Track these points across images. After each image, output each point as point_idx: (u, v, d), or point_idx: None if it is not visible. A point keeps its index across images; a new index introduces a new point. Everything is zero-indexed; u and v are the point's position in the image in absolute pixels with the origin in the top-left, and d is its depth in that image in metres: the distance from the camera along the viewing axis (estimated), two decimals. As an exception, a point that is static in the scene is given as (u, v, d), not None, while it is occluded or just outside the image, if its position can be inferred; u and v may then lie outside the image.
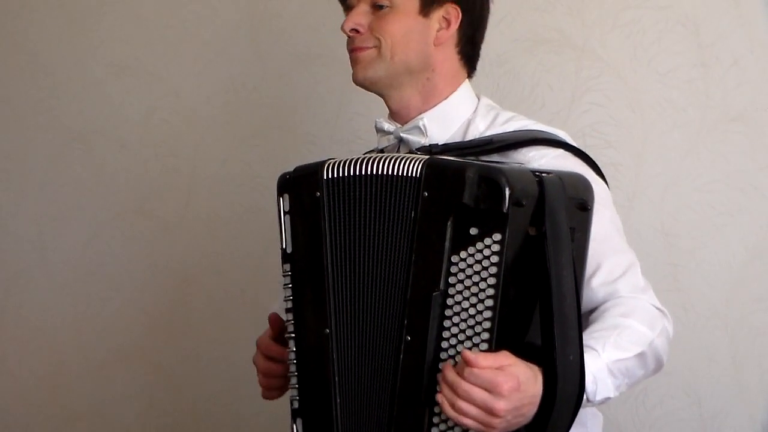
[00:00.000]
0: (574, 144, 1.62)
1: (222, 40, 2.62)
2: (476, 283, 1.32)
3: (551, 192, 1.35)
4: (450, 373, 1.32)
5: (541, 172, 1.38)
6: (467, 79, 1.68)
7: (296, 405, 1.51)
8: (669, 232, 2.17)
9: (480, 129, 1.62)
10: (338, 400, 1.46)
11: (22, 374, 2.86)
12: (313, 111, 2.52)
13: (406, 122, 1.64)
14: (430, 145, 1.59)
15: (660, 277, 2.15)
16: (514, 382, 1.30)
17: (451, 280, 1.33)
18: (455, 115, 1.64)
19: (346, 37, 1.64)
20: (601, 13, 2.22)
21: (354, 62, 1.63)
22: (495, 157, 1.55)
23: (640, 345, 1.45)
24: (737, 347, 2.13)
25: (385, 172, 1.44)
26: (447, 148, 1.58)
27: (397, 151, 1.66)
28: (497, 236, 1.31)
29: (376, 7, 1.61)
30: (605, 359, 1.41)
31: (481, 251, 1.32)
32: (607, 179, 1.64)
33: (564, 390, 1.33)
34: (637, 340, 1.45)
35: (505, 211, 1.31)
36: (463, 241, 1.33)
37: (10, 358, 2.86)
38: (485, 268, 1.31)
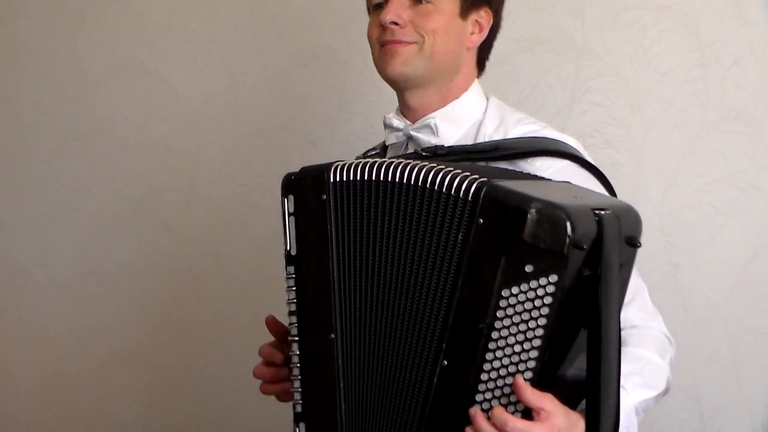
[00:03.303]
0: (584, 152, 1.60)
1: (222, 40, 2.62)
2: (525, 321, 1.28)
3: (609, 234, 1.30)
4: (485, 425, 1.29)
5: (600, 209, 1.32)
6: (476, 79, 1.68)
7: (299, 409, 1.49)
8: (669, 232, 2.17)
9: (489, 131, 1.61)
10: (343, 407, 1.44)
11: (22, 374, 2.85)
12: (313, 111, 2.52)
13: (416, 119, 1.63)
14: (435, 146, 1.58)
15: (660, 277, 2.15)
16: None
17: (499, 314, 1.29)
18: (466, 116, 1.63)
19: (379, 29, 1.60)
20: (602, 13, 2.22)
21: (390, 55, 1.58)
22: (502, 164, 1.54)
23: (662, 382, 1.46)
24: (737, 347, 2.13)
25: (414, 182, 1.38)
26: (453, 151, 1.56)
27: (405, 149, 1.65)
28: (554, 277, 1.26)
29: (417, 1, 1.58)
30: (634, 399, 1.41)
31: (534, 290, 1.27)
32: (610, 182, 1.63)
33: None
34: (658, 377, 1.46)
35: (565, 253, 1.26)
36: (516, 277, 1.28)
37: (10, 358, 2.86)
38: (537, 308, 1.27)
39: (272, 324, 1.59)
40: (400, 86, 1.63)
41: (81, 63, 2.77)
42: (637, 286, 1.53)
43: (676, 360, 2.09)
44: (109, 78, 2.74)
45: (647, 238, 2.15)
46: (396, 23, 1.57)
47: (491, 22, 1.63)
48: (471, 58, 1.65)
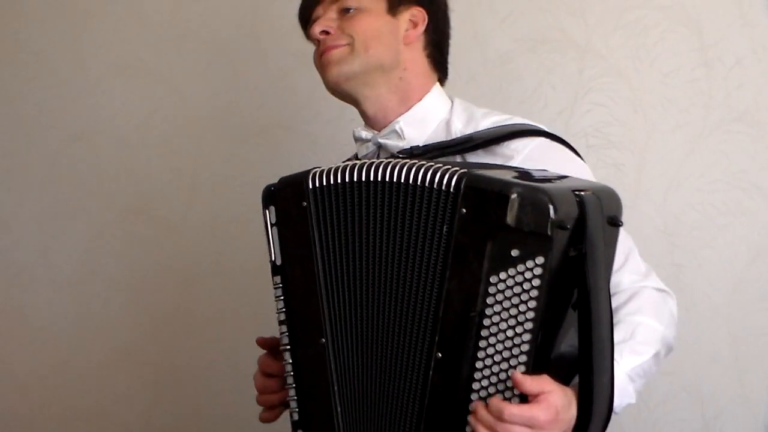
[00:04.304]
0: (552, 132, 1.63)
1: (224, 40, 2.62)
2: (515, 305, 1.29)
3: (591, 213, 1.32)
4: (486, 414, 1.30)
5: (580, 190, 1.34)
6: (438, 83, 1.70)
7: (296, 417, 1.50)
8: (671, 232, 2.18)
9: (459, 127, 1.63)
10: (339, 410, 1.45)
11: (23, 374, 2.86)
12: (315, 111, 2.52)
13: (383, 128, 1.65)
14: (411, 147, 1.60)
15: (662, 277, 2.12)
16: (552, 412, 1.29)
17: (489, 300, 1.31)
18: (430, 117, 1.65)
19: (314, 47, 1.66)
20: (604, 13, 2.22)
21: (326, 64, 1.63)
22: (480, 153, 1.56)
23: (654, 344, 1.47)
24: (740, 347, 2.13)
25: (396, 179, 1.40)
26: (428, 149, 1.58)
27: (377, 158, 1.65)
28: (540, 259, 1.28)
29: (343, 11, 1.63)
30: (624, 367, 1.42)
31: (522, 273, 1.29)
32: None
33: (598, 412, 1.33)
34: (650, 339, 1.47)
35: (549, 234, 1.28)
36: (503, 263, 1.30)
37: (12, 357, 2.86)
38: (526, 291, 1.29)
39: (263, 343, 1.62)
40: (346, 94, 1.66)
41: (83, 63, 2.77)
42: (627, 249, 1.54)
43: (678, 360, 2.10)
44: (111, 78, 2.74)
45: (650, 238, 2.18)
46: (326, 32, 1.63)
47: (426, 19, 1.67)
48: (417, 56, 1.67)
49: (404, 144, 1.62)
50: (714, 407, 2.15)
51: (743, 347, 2.13)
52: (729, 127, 2.14)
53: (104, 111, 2.75)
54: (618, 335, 1.43)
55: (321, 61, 1.65)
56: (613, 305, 1.48)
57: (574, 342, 1.35)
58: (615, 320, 1.46)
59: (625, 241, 1.54)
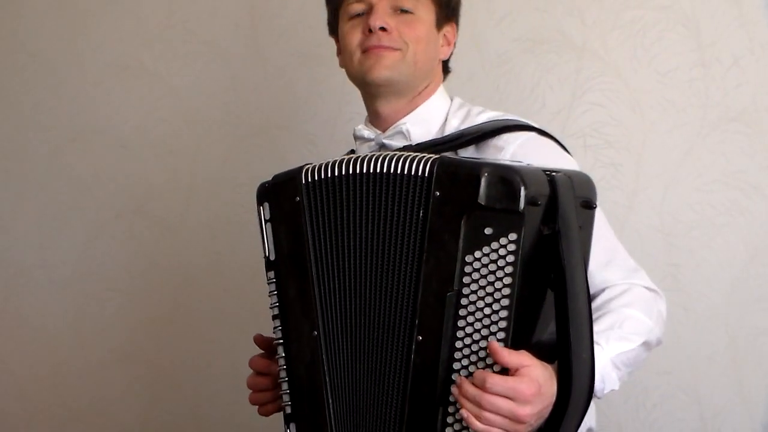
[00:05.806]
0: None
1: (222, 40, 2.62)
2: (491, 283, 1.31)
3: (563, 191, 1.35)
4: (470, 388, 1.31)
5: (551, 171, 1.37)
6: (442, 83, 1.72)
7: (288, 410, 1.52)
8: (669, 232, 2.18)
9: (455, 125, 1.64)
10: (330, 401, 1.47)
11: (22, 374, 2.86)
12: (314, 111, 2.53)
13: (386, 128, 1.65)
14: (404, 146, 1.61)
15: (660, 277, 2.15)
16: (536, 386, 1.30)
17: (465, 279, 1.32)
18: (434, 117, 1.66)
19: (362, 34, 1.63)
20: (602, 13, 2.22)
21: (376, 59, 1.61)
22: (471, 149, 1.58)
23: (643, 335, 1.48)
24: (737, 347, 2.13)
25: (378, 171, 1.43)
26: (420, 147, 1.59)
27: None
28: (513, 236, 1.30)
29: (399, 11, 1.62)
30: (608, 353, 1.42)
31: (496, 251, 1.31)
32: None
33: (577, 389, 1.33)
34: (639, 330, 1.48)
35: (520, 210, 1.30)
36: (477, 241, 1.32)
37: (10, 357, 2.87)
38: (501, 268, 1.31)
39: (260, 341, 1.63)
40: (380, 92, 1.65)
41: (81, 63, 2.77)
42: (612, 247, 1.55)
43: (676, 360, 2.11)
44: (110, 78, 2.74)
45: (647, 238, 2.18)
46: (384, 29, 1.61)
47: (456, 37, 1.71)
48: (440, 70, 1.71)
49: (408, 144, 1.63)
50: (712, 407, 2.15)
51: (741, 347, 2.13)
52: (727, 127, 2.14)
53: (102, 111, 2.75)
54: (606, 322, 1.45)
55: (366, 55, 1.62)
56: (604, 299, 1.51)
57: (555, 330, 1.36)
58: (605, 310, 1.48)
59: (611, 239, 1.56)
